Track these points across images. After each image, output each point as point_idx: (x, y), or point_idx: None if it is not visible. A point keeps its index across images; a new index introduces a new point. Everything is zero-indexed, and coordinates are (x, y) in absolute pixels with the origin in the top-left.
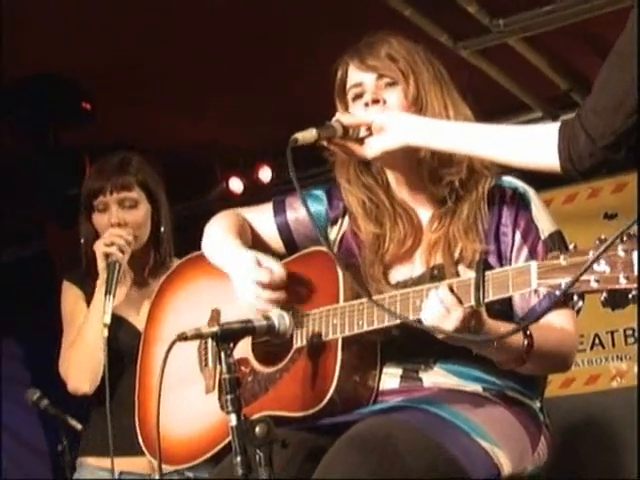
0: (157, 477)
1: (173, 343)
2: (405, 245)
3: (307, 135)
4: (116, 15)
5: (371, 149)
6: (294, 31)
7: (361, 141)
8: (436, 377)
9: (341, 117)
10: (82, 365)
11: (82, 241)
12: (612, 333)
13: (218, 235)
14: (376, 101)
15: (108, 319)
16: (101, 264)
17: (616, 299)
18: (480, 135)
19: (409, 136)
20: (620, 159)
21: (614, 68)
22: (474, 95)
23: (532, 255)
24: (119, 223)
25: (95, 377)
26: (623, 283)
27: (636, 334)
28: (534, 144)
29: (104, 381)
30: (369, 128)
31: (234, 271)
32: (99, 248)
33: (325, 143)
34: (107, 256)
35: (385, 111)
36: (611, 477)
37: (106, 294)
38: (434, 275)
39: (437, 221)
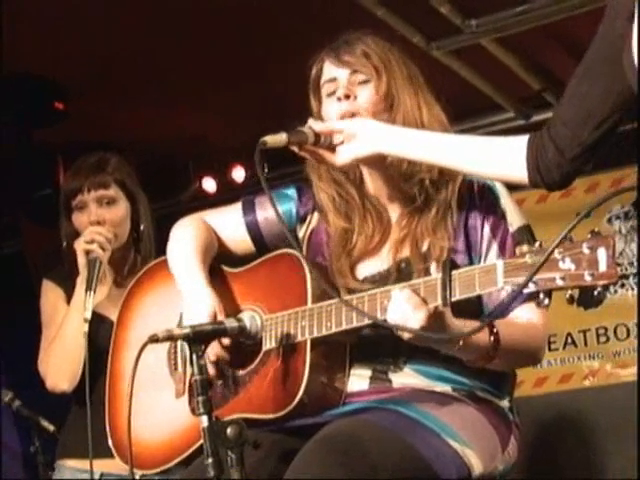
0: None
1: (144, 345)
2: (373, 240)
3: (277, 139)
4: (89, 13)
5: (341, 157)
6: (269, 32)
7: (332, 148)
8: (405, 378)
9: (313, 124)
10: (61, 362)
11: (64, 242)
12: (584, 332)
13: (181, 253)
14: (347, 96)
15: (89, 315)
16: (81, 261)
17: (586, 298)
18: (449, 146)
19: (379, 144)
20: (588, 170)
21: (583, 80)
22: (447, 95)
23: (501, 249)
24: (98, 221)
25: (74, 375)
26: (588, 280)
27: (608, 332)
28: (503, 156)
29: (84, 380)
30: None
31: (189, 313)
32: (79, 245)
33: (295, 149)
34: (87, 253)
35: (356, 118)
36: (584, 477)
37: (87, 290)
38: (401, 269)
39: (405, 219)
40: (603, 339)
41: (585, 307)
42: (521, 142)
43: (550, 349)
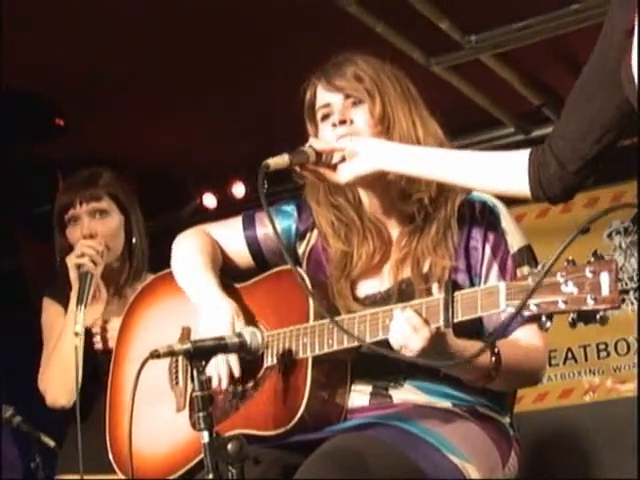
0: None
1: (145, 361)
2: (374, 260)
3: (279, 161)
4: (89, 30)
5: (343, 175)
6: (267, 47)
7: (333, 167)
8: (406, 394)
9: (314, 143)
10: (59, 378)
11: (57, 257)
12: (584, 347)
13: (190, 263)
14: (343, 122)
15: (80, 328)
16: (73, 275)
17: (586, 316)
18: (451, 162)
19: (381, 162)
20: (589, 184)
21: (582, 94)
22: (447, 111)
23: (502, 270)
24: (90, 234)
25: (71, 391)
26: (590, 304)
27: (609, 348)
28: (505, 171)
29: (84, 394)
30: (342, 156)
31: (209, 321)
32: (70, 260)
33: (297, 169)
34: (79, 267)
35: (355, 137)
36: None
37: (78, 304)
38: (402, 290)
39: (405, 238)
40: (604, 354)
41: (585, 322)
42: (522, 156)
43: (550, 364)
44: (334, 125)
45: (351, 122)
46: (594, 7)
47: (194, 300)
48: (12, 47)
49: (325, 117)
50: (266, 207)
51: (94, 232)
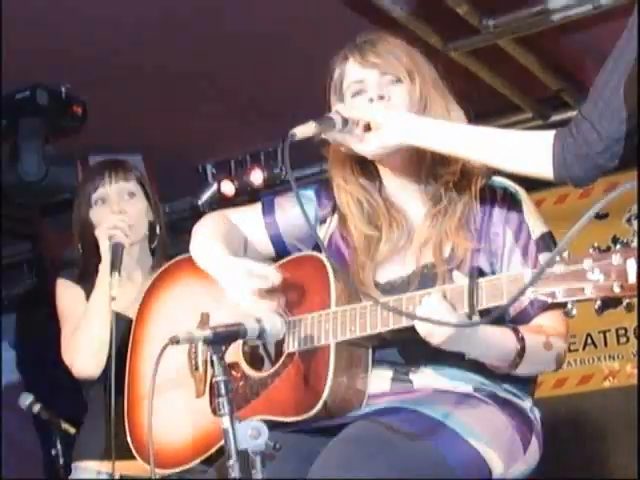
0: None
1: (165, 347)
2: (397, 245)
3: (306, 129)
4: (104, 17)
5: (369, 146)
6: (287, 32)
7: (360, 137)
8: (427, 379)
9: (341, 109)
10: (88, 346)
11: (78, 239)
12: (604, 333)
13: (207, 242)
14: (381, 97)
15: (115, 292)
16: (104, 245)
17: (609, 302)
18: (477, 138)
19: (408, 135)
20: (614, 166)
21: (610, 76)
22: (465, 96)
23: (524, 256)
24: (120, 211)
25: (101, 359)
26: (617, 291)
27: (628, 333)
28: (530, 150)
29: (103, 378)
30: (368, 124)
31: (227, 282)
32: (102, 231)
33: (323, 136)
34: (110, 238)
35: (386, 108)
36: (605, 477)
37: (112, 272)
38: (424, 274)
39: (430, 220)
40: (623, 340)
41: (612, 307)
42: (548, 137)
43: (570, 350)
44: (371, 100)
45: (389, 99)
46: None
47: (211, 273)
48: (27, 37)
49: (357, 93)
50: (291, 176)
51: (123, 210)
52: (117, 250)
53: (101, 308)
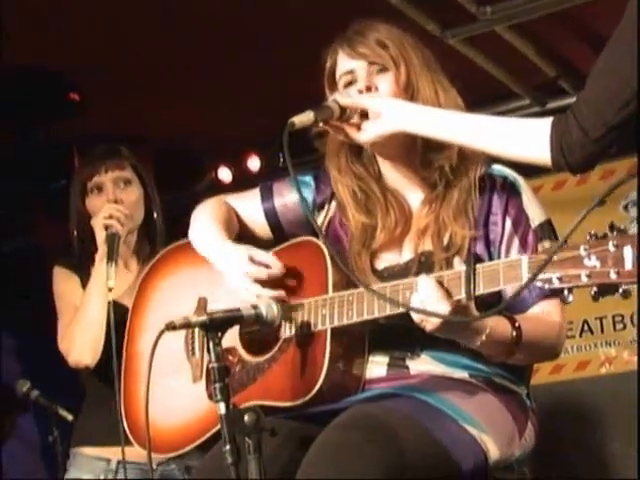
0: (154, 466)
1: (161, 333)
2: (395, 233)
3: (304, 118)
4: (103, 4)
5: (366, 133)
6: (281, 19)
7: (357, 125)
8: (423, 365)
9: (338, 97)
10: (84, 336)
11: (74, 227)
12: (601, 319)
13: (206, 226)
14: (369, 88)
15: (112, 283)
16: (100, 235)
17: (608, 290)
18: (474, 125)
19: (405, 123)
20: (612, 152)
21: (608, 61)
22: (462, 83)
23: (523, 245)
24: (115, 200)
25: (97, 349)
26: (614, 278)
27: (625, 320)
28: (527, 136)
29: (101, 366)
30: (365, 112)
31: (227, 267)
32: (98, 221)
33: (321, 125)
34: (106, 228)
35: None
36: (601, 463)
37: (108, 261)
38: (422, 262)
39: (427, 206)
40: (620, 326)
41: (606, 295)
42: (545, 123)
43: (567, 336)
44: (360, 92)
45: (376, 89)
46: None
47: (211, 259)
48: (27, 24)
49: (348, 84)
50: (290, 165)
51: (119, 198)
52: (113, 240)
53: (97, 299)
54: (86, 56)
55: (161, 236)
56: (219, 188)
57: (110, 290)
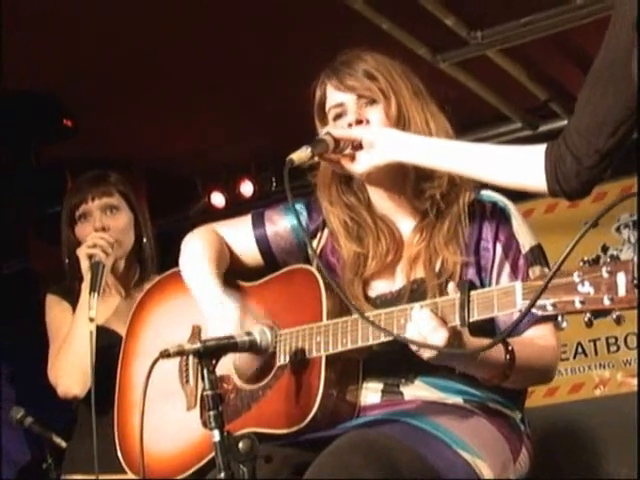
0: None
1: (156, 361)
2: (386, 260)
3: (302, 154)
4: (96, 30)
5: (361, 164)
6: (275, 46)
7: (351, 156)
8: (417, 390)
9: (332, 130)
10: (72, 367)
11: (65, 256)
12: (594, 342)
13: (197, 264)
14: (359, 122)
15: (94, 313)
16: (84, 265)
17: (601, 315)
18: (468, 154)
19: (399, 152)
20: (607, 178)
21: (594, 88)
22: (454, 107)
23: (514, 270)
24: (102, 227)
25: (85, 379)
26: (607, 304)
27: (619, 342)
28: (522, 165)
29: (97, 388)
30: (358, 143)
31: (215, 321)
32: (82, 251)
33: (317, 159)
34: (90, 257)
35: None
36: None
37: (91, 292)
38: (414, 289)
39: (419, 234)
40: (614, 348)
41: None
42: (539, 151)
43: (561, 359)
44: (350, 125)
45: (367, 121)
46: (599, 1)
47: (199, 301)
48: (18, 47)
49: (338, 117)
50: (290, 198)
51: (106, 226)
52: (97, 269)
53: (82, 331)
54: (77, 81)
55: (152, 261)
56: (212, 213)
57: (91, 321)
